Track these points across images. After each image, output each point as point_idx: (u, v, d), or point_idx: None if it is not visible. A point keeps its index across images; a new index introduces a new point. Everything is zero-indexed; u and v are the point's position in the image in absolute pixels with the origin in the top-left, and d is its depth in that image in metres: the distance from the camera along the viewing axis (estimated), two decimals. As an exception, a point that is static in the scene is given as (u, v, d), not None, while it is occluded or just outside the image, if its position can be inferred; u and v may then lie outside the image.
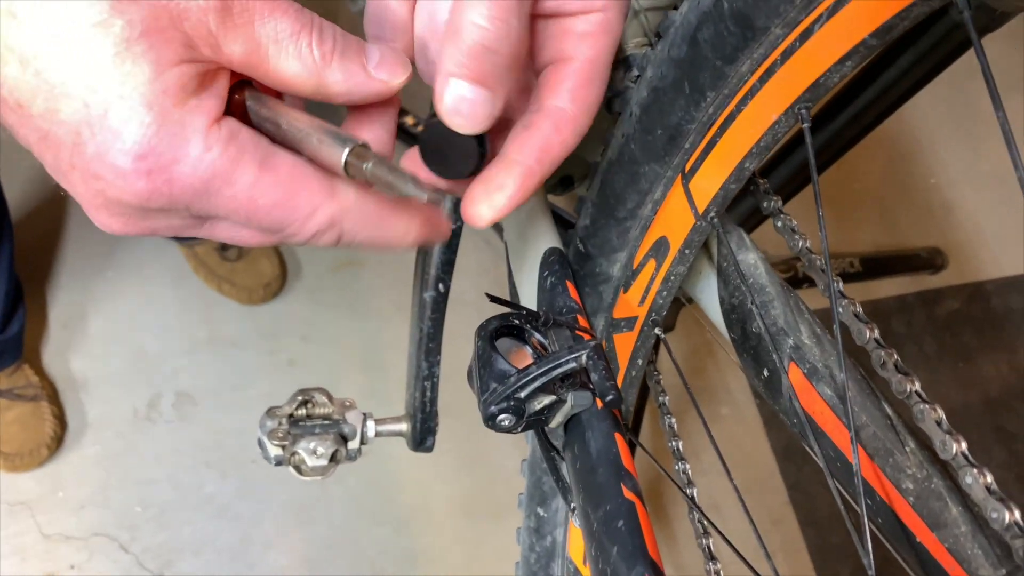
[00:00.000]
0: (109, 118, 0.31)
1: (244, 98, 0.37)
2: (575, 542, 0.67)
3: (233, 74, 0.35)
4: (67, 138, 0.32)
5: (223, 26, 0.33)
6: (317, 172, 0.36)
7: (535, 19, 0.40)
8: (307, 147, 0.36)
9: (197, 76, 0.33)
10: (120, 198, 0.33)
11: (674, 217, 0.49)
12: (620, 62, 0.53)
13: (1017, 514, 0.33)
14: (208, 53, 0.33)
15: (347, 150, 0.35)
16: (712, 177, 0.45)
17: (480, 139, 0.40)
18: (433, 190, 0.36)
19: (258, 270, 1.51)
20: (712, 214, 0.46)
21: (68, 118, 0.32)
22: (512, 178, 0.40)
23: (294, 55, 0.34)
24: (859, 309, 0.42)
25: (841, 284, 0.43)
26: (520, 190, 0.40)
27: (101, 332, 1.47)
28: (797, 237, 0.47)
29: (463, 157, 0.40)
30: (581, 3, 0.39)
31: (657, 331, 0.55)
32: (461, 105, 0.37)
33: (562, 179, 0.65)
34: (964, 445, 0.37)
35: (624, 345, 0.58)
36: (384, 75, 0.37)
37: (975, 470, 0.36)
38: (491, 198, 0.40)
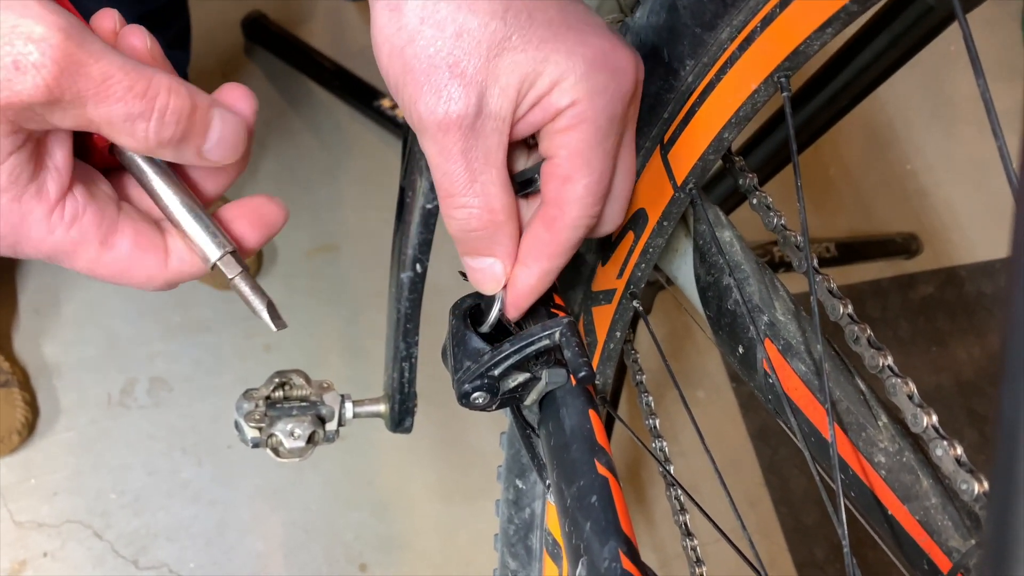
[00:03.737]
0: None
1: (112, 152, 0.39)
2: (553, 514, 0.67)
3: None
4: None
5: (51, 109, 0.33)
6: (157, 245, 0.39)
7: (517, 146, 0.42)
8: (175, 225, 0.39)
9: (31, 158, 0.34)
10: None
11: (652, 189, 0.48)
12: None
13: (986, 485, 0.34)
14: (38, 127, 0.34)
15: (219, 254, 0.39)
16: (691, 147, 0.45)
17: None
18: (277, 322, 0.40)
19: (233, 255, 1.50)
20: (691, 186, 0.46)
21: None
22: (533, 280, 0.43)
23: (127, 135, 0.35)
24: (833, 285, 0.42)
25: (816, 261, 0.43)
26: (538, 289, 0.43)
27: (73, 317, 1.45)
28: (773, 214, 0.47)
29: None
30: (552, 110, 0.39)
31: (635, 304, 0.55)
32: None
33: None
34: (935, 418, 0.37)
35: (602, 318, 0.58)
36: (215, 157, 0.38)
37: (945, 443, 0.36)
38: (515, 308, 0.44)
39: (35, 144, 0.34)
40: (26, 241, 0.36)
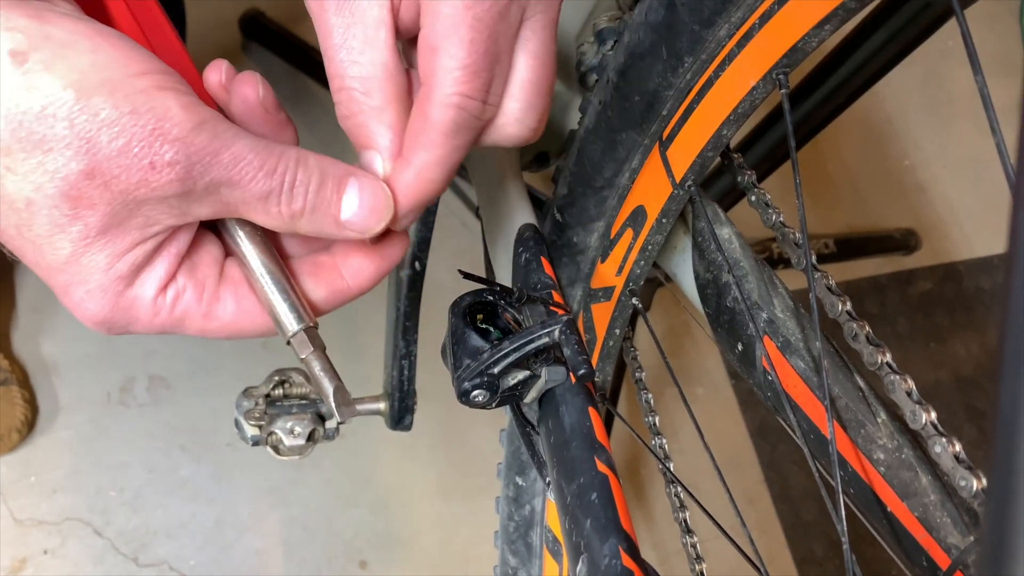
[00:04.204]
0: (71, 294, 0.36)
1: (222, 231, 0.39)
2: (553, 511, 0.67)
3: None
4: (45, 280, 0.37)
5: (186, 200, 0.35)
6: (258, 314, 0.39)
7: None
8: (262, 297, 0.38)
9: (153, 248, 0.36)
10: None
11: (652, 186, 0.48)
12: (595, 35, 0.53)
13: (985, 482, 0.34)
14: (172, 221, 0.35)
15: (298, 329, 0.38)
16: (690, 144, 0.45)
17: None
18: (344, 409, 0.39)
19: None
20: (689, 182, 0.46)
21: (45, 278, 0.37)
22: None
23: (262, 213, 0.36)
24: (832, 282, 0.42)
25: (814, 257, 0.43)
26: (418, 180, 0.40)
27: (72, 315, 1.45)
28: (771, 211, 0.47)
29: None
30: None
31: (634, 301, 0.55)
32: None
33: (537, 156, 0.65)
34: (934, 415, 0.37)
35: (602, 315, 0.58)
36: (356, 229, 0.38)
37: (944, 439, 0.36)
38: (399, 198, 0.40)
39: (160, 240, 0.36)
40: (136, 322, 0.37)
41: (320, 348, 0.39)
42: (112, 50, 0.33)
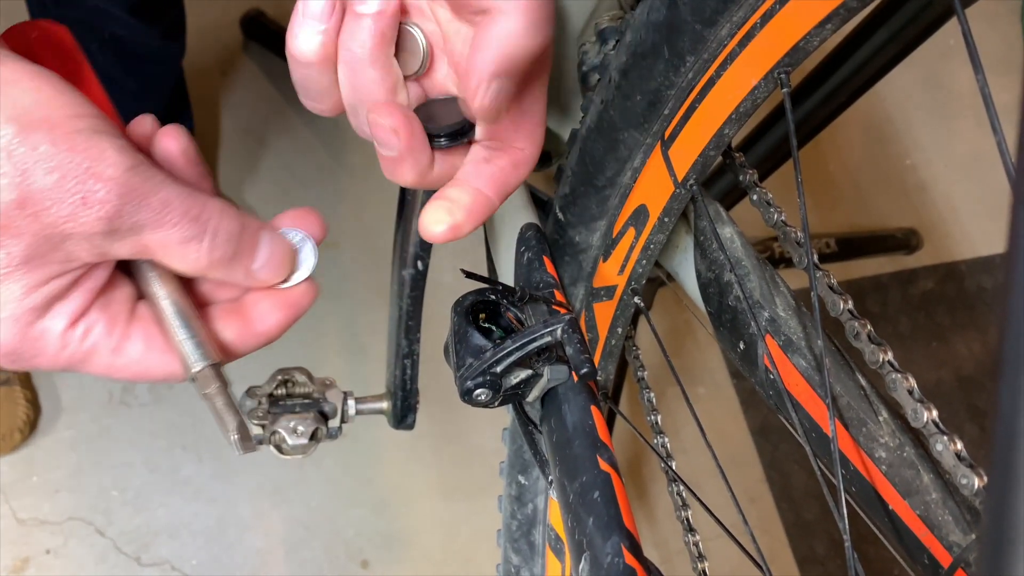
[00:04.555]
0: None
1: (135, 273, 0.40)
2: (556, 510, 0.67)
3: None
4: None
5: (109, 239, 0.36)
6: (166, 356, 0.40)
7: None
8: (170, 334, 0.39)
9: (68, 284, 0.36)
10: None
11: (654, 184, 0.49)
12: (597, 35, 0.53)
13: (986, 479, 0.34)
14: (91, 259, 0.36)
15: (203, 366, 0.39)
16: (691, 143, 0.45)
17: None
18: (244, 444, 0.41)
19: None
20: (691, 181, 0.46)
21: None
22: (469, 196, 0.41)
23: (179, 258, 0.38)
24: (833, 281, 0.43)
25: (816, 256, 0.43)
26: (474, 210, 0.42)
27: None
28: (773, 210, 0.47)
29: (453, 116, 0.42)
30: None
31: (636, 299, 0.55)
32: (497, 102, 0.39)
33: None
34: (935, 413, 0.37)
35: (604, 314, 0.58)
36: (264, 277, 0.41)
37: (945, 437, 0.36)
38: (447, 214, 0.41)
39: (77, 275, 0.37)
40: (42, 355, 0.37)
41: (223, 384, 0.40)
42: (52, 91, 0.35)
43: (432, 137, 0.41)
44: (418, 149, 0.40)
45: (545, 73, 0.42)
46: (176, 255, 0.37)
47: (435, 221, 0.41)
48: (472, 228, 0.42)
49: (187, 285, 0.41)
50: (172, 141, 0.40)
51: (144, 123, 0.41)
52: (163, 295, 0.39)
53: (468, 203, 0.41)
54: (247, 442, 0.41)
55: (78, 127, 0.35)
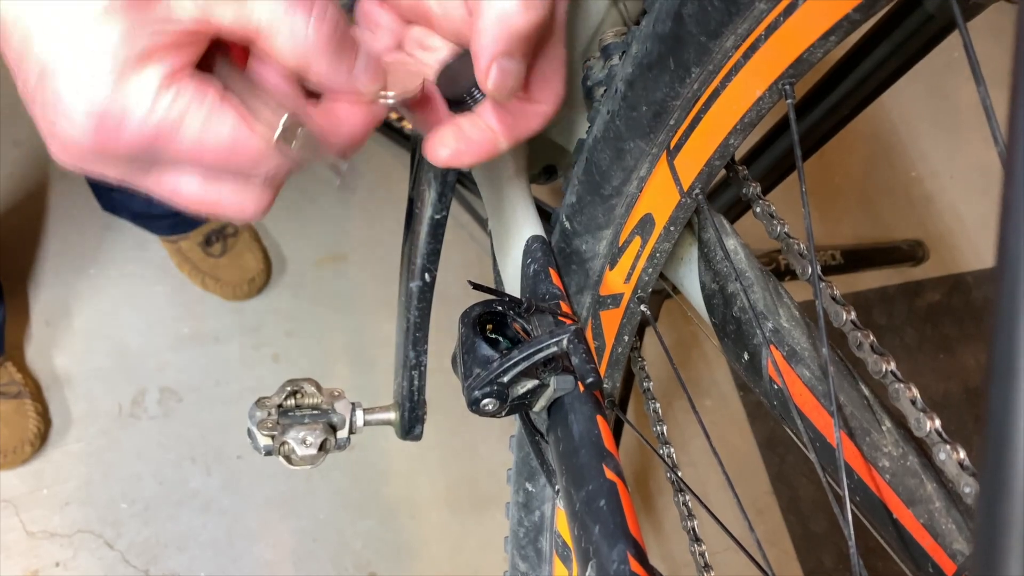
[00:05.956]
0: (75, 70, 0.33)
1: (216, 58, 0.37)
2: (563, 517, 0.67)
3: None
4: (34, 71, 0.33)
5: None
6: (254, 138, 0.37)
7: None
8: (249, 104, 0.36)
9: (167, 43, 0.34)
10: (69, 140, 0.34)
11: (659, 194, 0.49)
12: (601, 51, 0.54)
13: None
14: (192, 16, 0.34)
15: (284, 116, 0.36)
16: (697, 154, 0.45)
17: None
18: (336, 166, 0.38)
19: (242, 265, 1.51)
20: (697, 191, 0.47)
21: (38, 56, 0.33)
22: (478, 131, 0.42)
23: (285, 32, 0.35)
24: (837, 292, 0.43)
25: (820, 268, 0.44)
26: (479, 145, 0.42)
27: (84, 329, 1.46)
28: (776, 223, 0.47)
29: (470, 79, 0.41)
30: None
31: (643, 308, 0.55)
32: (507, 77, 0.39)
33: (545, 168, 0.66)
34: (938, 423, 0.37)
35: (610, 322, 0.58)
36: (362, 82, 0.38)
37: (948, 446, 0.36)
38: (454, 140, 0.41)
39: (175, 38, 0.34)
40: (130, 117, 0.34)
41: (309, 127, 0.38)
42: None
43: (450, 103, 0.42)
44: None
45: (555, 36, 0.42)
46: (282, 27, 0.34)
47: (441, 144, 0.42)
48: (472, 161, 0.42)
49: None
50: None
51: None
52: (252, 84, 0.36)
53: (476, 137, 0.42)
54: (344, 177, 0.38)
55: None
